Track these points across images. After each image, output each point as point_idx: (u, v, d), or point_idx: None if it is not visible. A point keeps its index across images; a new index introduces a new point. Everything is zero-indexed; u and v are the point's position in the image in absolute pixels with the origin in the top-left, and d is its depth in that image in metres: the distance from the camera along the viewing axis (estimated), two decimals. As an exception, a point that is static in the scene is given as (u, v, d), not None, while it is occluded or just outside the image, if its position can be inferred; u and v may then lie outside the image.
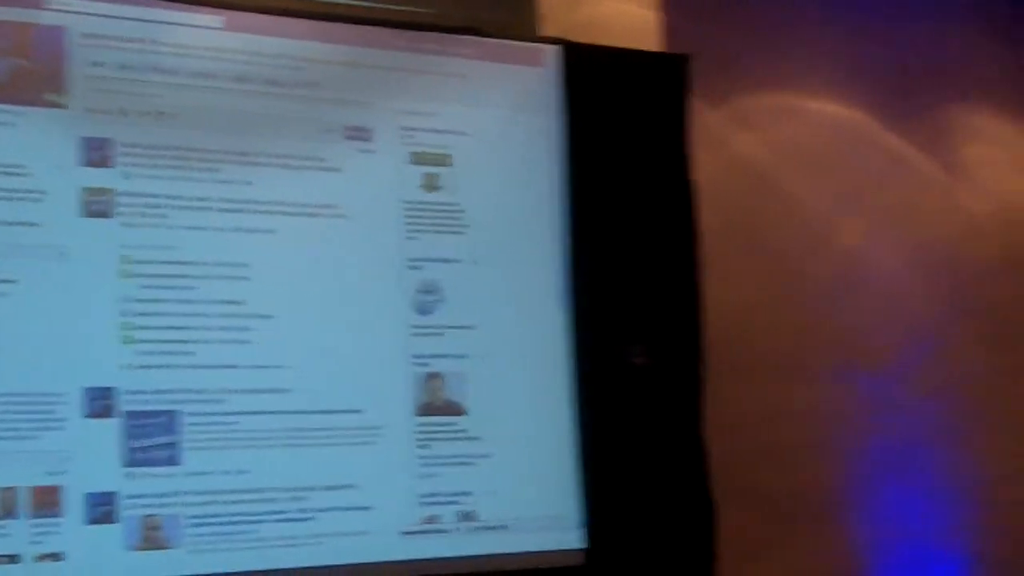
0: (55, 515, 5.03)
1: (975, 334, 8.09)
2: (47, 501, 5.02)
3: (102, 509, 5.12)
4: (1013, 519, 7.95)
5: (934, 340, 7.99)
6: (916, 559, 7.71)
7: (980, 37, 8.78)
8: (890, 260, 8.09)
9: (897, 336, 7.88)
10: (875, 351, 7.79)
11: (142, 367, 5.27)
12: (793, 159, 7.87)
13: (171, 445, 5.28)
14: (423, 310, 5.96)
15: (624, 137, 6.57)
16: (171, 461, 5.27)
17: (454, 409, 5.94)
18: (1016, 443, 7.81)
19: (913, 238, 8.22)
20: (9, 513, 4.97)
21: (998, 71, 8.79)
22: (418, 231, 6.00)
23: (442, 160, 6.13)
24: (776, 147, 7.83)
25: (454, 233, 6.08)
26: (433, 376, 5.92)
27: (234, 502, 5.36)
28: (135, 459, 5.21)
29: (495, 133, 6.30)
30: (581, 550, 6.10)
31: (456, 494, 5.86)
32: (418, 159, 6.08)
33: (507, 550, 5.92)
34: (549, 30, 6.70)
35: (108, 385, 5.21)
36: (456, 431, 5.92)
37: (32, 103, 5.25)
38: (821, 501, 7.44)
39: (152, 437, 5.23)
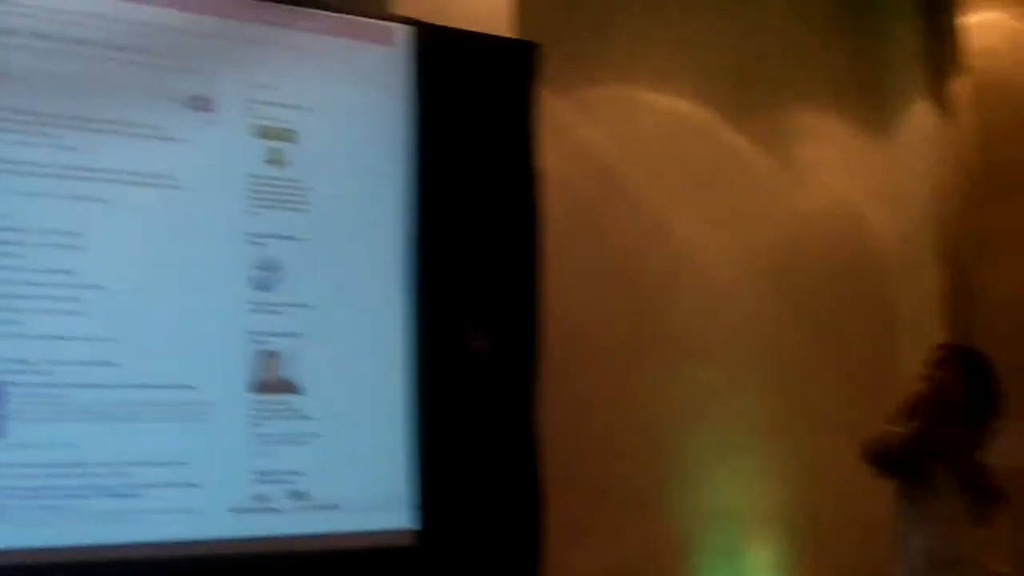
0: None
1: (802, 329, 8.42)
2: None
3: (-80, 480, 5.02)
4: (829, 505, 8.31)
5: (762, 333, 8.30)
6: (734, 542, 8.03)
7: (818, 38, 9.11)
8: (724, 255, 8.38)
9: (727, 328, 8.15)
10: (706, 343, 8.06)
11: (-35, 335, 5.16)
12: (635, 151, 8.07)
13: (-6, 416, 5.18)
14: (262, 286, 5.93)
15: (472, 121, 6.65)
16: (-6, 432, 5.17)
17: (289, 387, 5.94)
18: (833, 434, 8.16)
19: (746, 234, 8.52)
20: None
21: (834, 72, 9.16)
22: (260, 207, 5.96)
23: (287, 135, 6.10)
24: (619, 139, 8.03)
25: (297, 211, 6.06)
26: (269, 354, 5.90)
27: (59, 476, 5.27)
28: (-44, 430, 5.10)
29: (342, 110, 6.30)
30: (413, 531, 6.20)
31: (288, 473, 5.87)
32: (263, 133, 6.04)
33: (339, 529, 5.97)
34: (401, 9, 6.72)
35: (-70, 353, 5.09)
36: (290, 410, 5.92)
37: None
38: (649, 486, 7.68)
39: (-26, 407, 5.13)
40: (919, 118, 9.18)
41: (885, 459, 4.20)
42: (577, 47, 7.77)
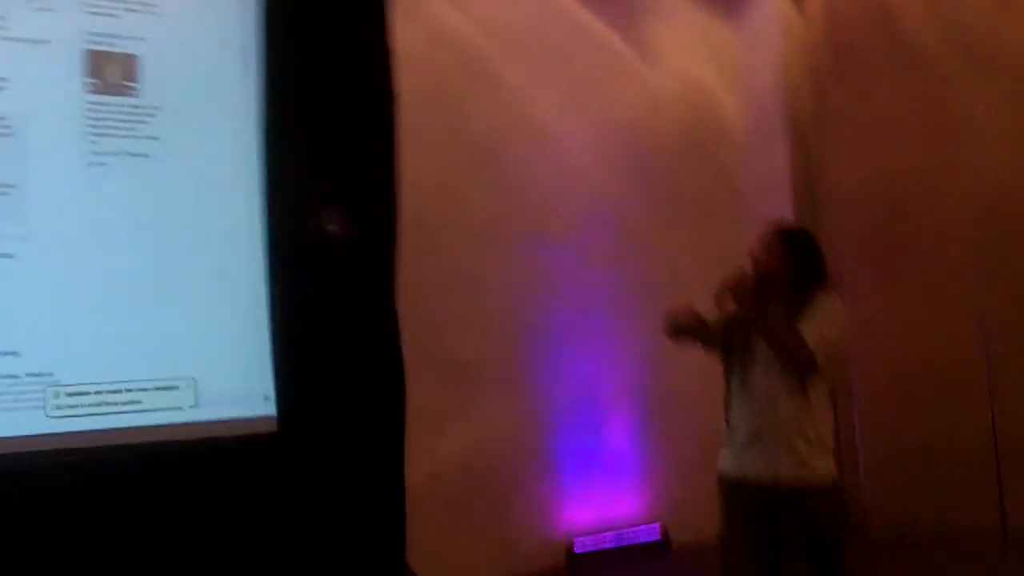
0: None
1: (654, 209, 8.64)
2: None
3: None
4: (682, 380, 8.66)
5: (615, 214, 8.49)
6: (594, 421, 8.35)
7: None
8: (578, 136, 8.50)
9: (581, 210, 8.31)
10: (561, 224, 8.21)
11: None
12: (492, 33, 8.07)
13: None
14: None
15: (323, 3, 6.59)
16: None
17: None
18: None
19: (600, 114, 8.66)
20: None
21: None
22: (98, 129, 5.90)
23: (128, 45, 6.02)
24: (476, 19, 8.01)
25: (141, 122, 6.01)
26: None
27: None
28: None
29: (188, 14, 6.22)
30: (274, 418, 6.29)
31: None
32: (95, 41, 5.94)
33: (200, 419, 6.04)
34: None
35: None
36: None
37: None
38: (510, 367, 7.89)
39: None
40: (769, 2, 9.40)
41: (675, 332, 4.45)
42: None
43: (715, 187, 9.31)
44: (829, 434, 4.05)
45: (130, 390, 5.85)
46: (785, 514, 3.95)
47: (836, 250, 7.46)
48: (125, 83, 5.95)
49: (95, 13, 5.93)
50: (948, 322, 8.32)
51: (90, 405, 5.73)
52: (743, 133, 9.60)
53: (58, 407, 5.62)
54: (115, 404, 5.80)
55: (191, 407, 6.02)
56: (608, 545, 8.24)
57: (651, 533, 8.49)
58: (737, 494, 4.03)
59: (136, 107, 5.97)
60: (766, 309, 4.07)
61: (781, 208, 9.14)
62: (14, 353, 5.60)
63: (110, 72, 5.92)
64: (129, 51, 6.00)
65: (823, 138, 9.29)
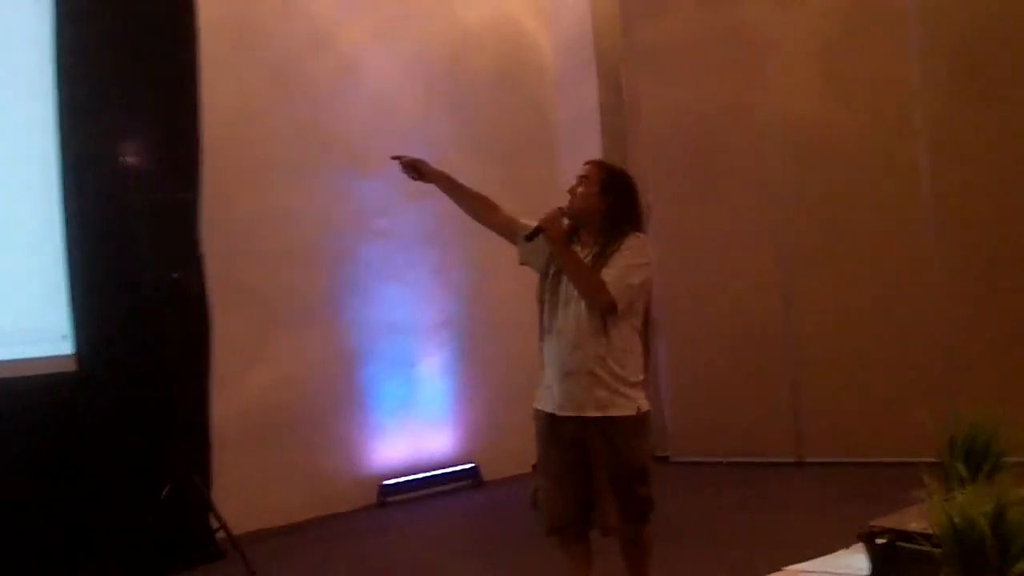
0: None
1: (465, 139, 8.80)
2: None
3: None
4: (492, 318, 8.94)
5: (428, 147, 8.62)
6: (407, 357, 8.55)
7: None
8: (388, 66, 8.58)
9: (395, 143, 8.36)
10: (374, 157, 8.23)
11: None
12: (296, -41, 8.08)
13: None
14: None
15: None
16: None
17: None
18: (497, 245, 8.69)
19: (413, 48, 8.76)
20: None
21: None
22: None
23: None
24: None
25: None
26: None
27: None
28: None
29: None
30: (72, 357, 6.27)
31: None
32: None
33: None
34: None
35: None
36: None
37: None
38: (318, 302, 7.97)
39: None
40: (578, -65, 9.68)
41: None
42: None
43: (528, 121, 9.55)
44: (636, 368, 4.31)
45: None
46: (595, 444, 4.22)
47: (645, 185, 7.81)
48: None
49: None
50: (752, 258, 8.76)
51: None
52: (555, 68, 9.87)
53: None
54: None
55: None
56: (420, 483, 8.45)
57: (464, 471, 8.75)
58: (550, 427, 4.28)
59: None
60: (572, 249, 4.29)
61: (591, 143, 9.48)
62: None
63: None
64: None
65: (632, 74, 9.62)
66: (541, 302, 4.39)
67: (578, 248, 4.33)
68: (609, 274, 4.21)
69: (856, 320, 8.30)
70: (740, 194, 8.86)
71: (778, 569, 2.17)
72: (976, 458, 1.87)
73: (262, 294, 7.61)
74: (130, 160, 6.74)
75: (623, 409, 4.26)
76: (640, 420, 4.31)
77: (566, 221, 4.32)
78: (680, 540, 4.67)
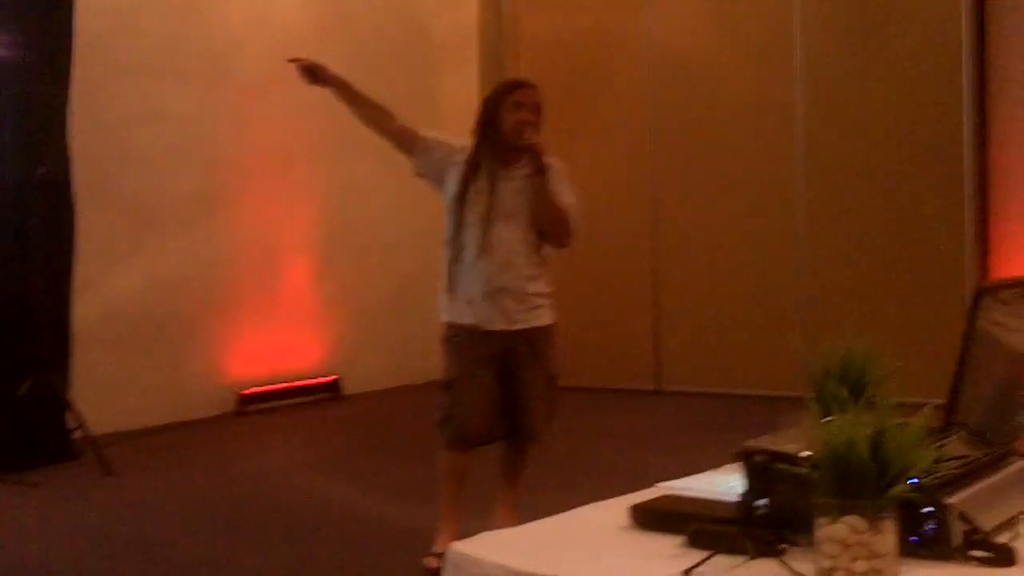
0: None
1: (347, 55, 8.66)
2: None
3: None
4: (365, 225, 8.91)
5: (302, 54, 8.48)
6: (273, 264, 8.52)
7: None
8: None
9: (267, 48, 8.27)
10: (250, 65, 8.18)
11: None
12: None
13: None
14: None
15: None
16: None
17: None
18: (370, 162, 8.61)
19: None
20: None
21: None
22: None
23: None
24: None
25: None
26: None
27: None
28: None
29: None
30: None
31: None
32: None
33: None
34: None
35: None
36: None
37: None
38: (182, 205, 7.89)
39: None
40: None
41: None
42: None
43: (406, 35, 9.52)
44: (549, 280, 4.47)
45: None
46: (520, 353, 4.35)
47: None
48: None
49: None
50: (624, 189, 8.92)
51: None
52: (433, -17, 9.81)
53: None
54: None
55: None
56: (280, 393, 8.45)
57: (325, 383, 8.77)
58: (472, 341, 4.36)
59: None
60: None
61: (469, 63, 9.46)
62: None
63: None
64: None
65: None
66: (459, 221, 4.42)
67: (505, 169, 4.37)
68: (565, 202, 4.33)
69: (720, 254, 8.55)
70: (616, 126, 9.03)
71: (649, 486, 2.25)
72: (850, 386, 1.97)
73: (131, 195, 7.56)
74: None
75: (544, 319, 4.50)
76: (554, 328, 4.49)
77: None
78: (543, 462, 4.79)
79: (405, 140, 4.55)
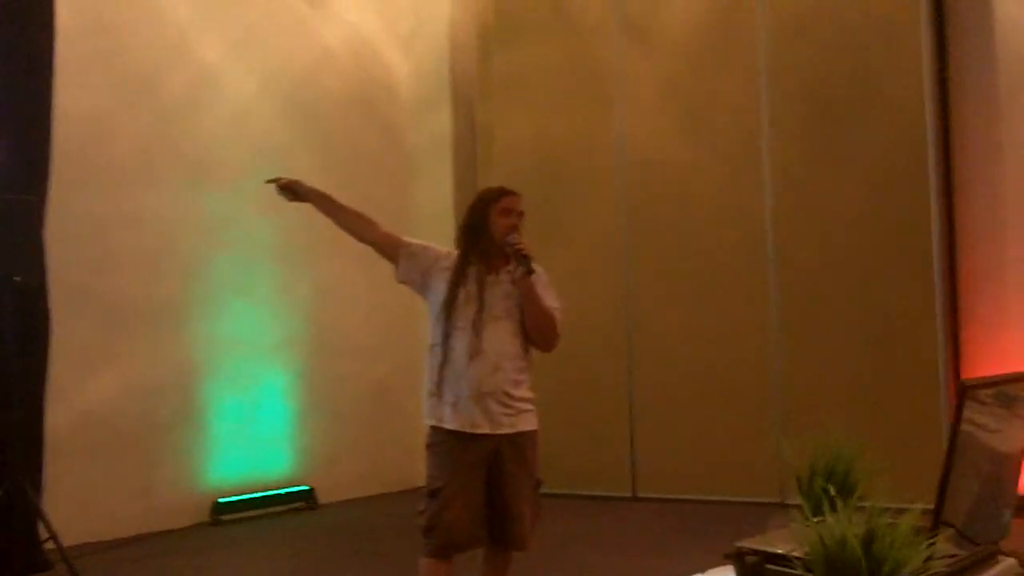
0: None
1: (320, 161, 8.78)
2: None
3: None
4: (338, 328, 8.93)
5: (282, 164, 8.57)
6: (248, 370, 8.48)
7: None
8: (244, 81, 8.61)
9: (247, 156, 8.38)
10: (225, 169, 8.28)
11: None
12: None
13: None
14: None
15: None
16: None
17: None
18: (343, 260, 8.65)
19: (269, 63, 8.81)
20: None
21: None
22: None
23: None
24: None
25: None
26: None
27: None
28: None
29: None
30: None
31: None
32: None
33: None
34: None
35: None
36: None
37: None
38: (159, 309, 7.90)
39: None
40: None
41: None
42: None
43: (381, 144, 9.65)
44: (530, 384, 4.51)
45: None
46: (505, 458, 4.35)
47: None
48: None
49: None
50: (596, 295, 8.98)
51: None
52: (410, 94, 9.95)
53: None
54: None
55: None
56: (255, 502, 8.37)
57: (299, 492, 8.69)
58: (457, 445, 4.37)
59: None
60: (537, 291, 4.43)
61: (443, 169, 9.58)
62: None
63: None
64: None
65: (487, 103, 9.77)
66: (449, 324, 4.45)
67: (492, 274, 4.44)
68: (551, 305, 4.40)
69: (695, 358, 8.60)
70: (586, 232, 9.12)
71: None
72: (838, 486, 1.98)
73: (105, 301, 7.56)
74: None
75: (530, 424, 4.54)
76: (537, 433, 4.51)
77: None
78: (525, 567, 4.76)
79: (388, 247, 4.60)
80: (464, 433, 4.40)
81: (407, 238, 4.59)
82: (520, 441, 4.47)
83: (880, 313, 7.93)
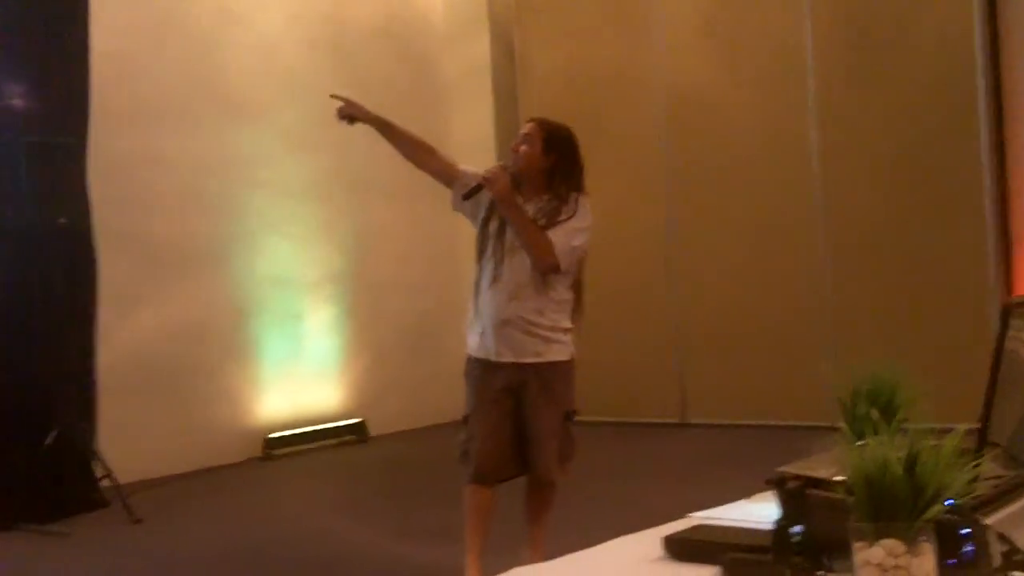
0: None
1: (352, 94, 8.70)
2: None
3: None
4: (379, 267, 8.94)
5: (314, 100, 8.52)
6: (291, 308, 8.52)
7: None
8: (274, 17, 8.57)
9: (279, 93, 8.35)
10: (256, 106, 8.25)
11: None
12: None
13: None
14: None
15: None
16: None
17: None
18: (384, 201, 8.67)
19: (297, -1, 8.75)
20: None
21: None
22: None
23: None
24: None
25: None
26: None
27: None
28: None
29: None
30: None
31: None
32: None
33: None
34: None
35: None
36: None
37: None
38: (201, 249, 7.94)
39: None
40: None
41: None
42: None
43: (415, 76, 9.55)
44: (567, 321, 4.44)
45: None
46: (531, 389, 4.32)
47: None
48: None
49: None
50: (638, 225, 8.92)
51: None
52: (444, 23, 9.83)
53: None
54: None
55: None
56: (305, 436, 8.44)
57: (349, 425, 8.76)
58: (483, 374, 4.35)
59: None
60: (520, 206, 4.34)
61: (483, 101, 9.49)
62: None
63: None
64: None
65: (525, 32, 9.64)
66: (481, 253, 4.43)
67: (521, 204, 4.38)
68: (555, 235, 4.31)
69: (741, 283, 8.53)
70: (628, 162, 9.01)
71: (682, 516, 2.23)
72: (881, 409, 1.95)
73: (148, 241, 7.60)
74: (16, 103, 6.59)
75: (559, 354, 4.47)
76: (572, 364, 4.45)
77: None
78: (569, 498, 4.76)
79: (446, 174, 4.57)
80: (489, 362, 4.38)
81: (463, 166, 4.56)
82: (546, 371, 4.40)
83: (930, 237, 7.81)
